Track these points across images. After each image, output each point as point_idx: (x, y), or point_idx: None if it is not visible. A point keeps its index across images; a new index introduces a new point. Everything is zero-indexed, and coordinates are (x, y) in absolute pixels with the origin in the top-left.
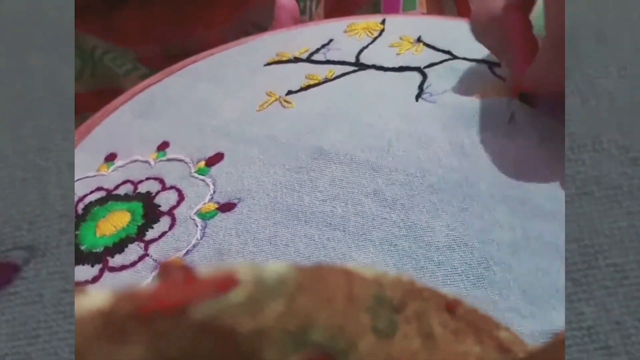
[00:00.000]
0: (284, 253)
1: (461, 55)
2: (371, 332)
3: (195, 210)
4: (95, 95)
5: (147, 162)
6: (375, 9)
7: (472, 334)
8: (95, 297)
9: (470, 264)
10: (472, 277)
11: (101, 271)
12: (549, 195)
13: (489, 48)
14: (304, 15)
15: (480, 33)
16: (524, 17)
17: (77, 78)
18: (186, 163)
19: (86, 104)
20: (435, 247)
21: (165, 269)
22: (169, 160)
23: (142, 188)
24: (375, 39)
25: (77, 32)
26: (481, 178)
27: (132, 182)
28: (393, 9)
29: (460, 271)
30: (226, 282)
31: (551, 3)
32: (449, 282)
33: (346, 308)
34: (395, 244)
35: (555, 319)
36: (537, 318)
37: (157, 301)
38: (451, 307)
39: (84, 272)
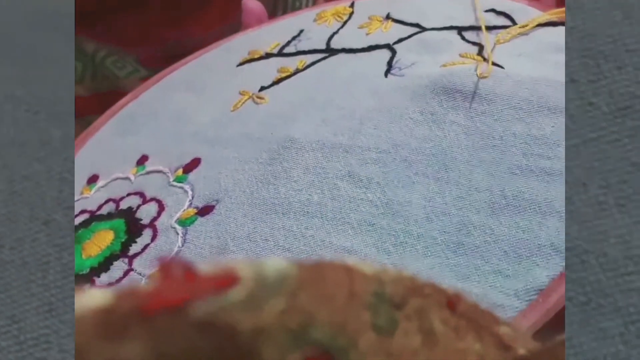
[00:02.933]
0: (263, 248)
1: (430, 26)
2: (371, 329)
3: (175, 219)
4: (96, 98)
5: (127, 178)
6: None
7: (472, 330)
8: (95, 295)
9: (450, 232)
10: (452, 245)
11: None
12: (525, 152)
13: None
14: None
15: None
16: None
17: (79, 81)
18: (165, 173)
19: (88, 107)
20: (414, 221)
21: (165, 267)
22: (148, 173)
23: (124, 204)
24: (345, 23)
25: (78, 36)
26: (455, 144)
27: (114, 200)
28: None
29: (440, 241)
30: (226, 280)
31: None
32: (429, 254)
33: (346, 305)
34: (374, 224)
35: (539, 275)
36: (521, 276)
37: (157, 299)
38: (452, 303)
39: None
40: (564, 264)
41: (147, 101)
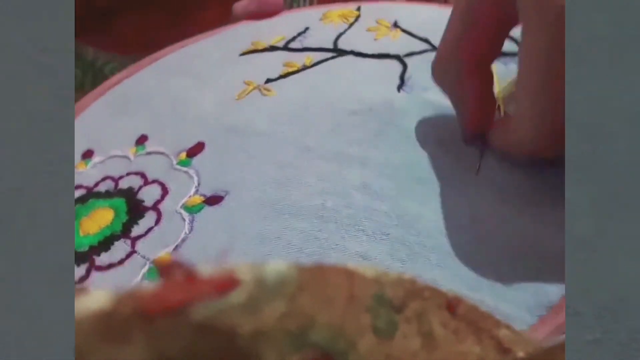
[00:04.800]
0: (275, 247)
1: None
2: (371, 332)
3: (181, 204)
4: None
5: (126, 157)
6: None
7: (472, 333)
8: (96, 297)
9: (463, 246)
10: (464, 257)
11: (88, 271)
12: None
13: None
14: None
15: (439, 75)
16: (484, 67)
17: (78, 88)
18: (167, 155)
19: None
20: (427, 234)
21: (166, 269)
22: (148, 153)
23: (123, 184)
24: (351, 24)
25: (78, 43)
26: (468, 168)
27: (112, 178)
28: None
29: (453, 254)
30: (227, 283)
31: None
32: (442, 265)
33: (346, 308)
34: (388, 233)
35: (549, 290)
36: (532, 290)
37: (157, 302)
38: (451, 306)
39: None
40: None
41: (143, 82)
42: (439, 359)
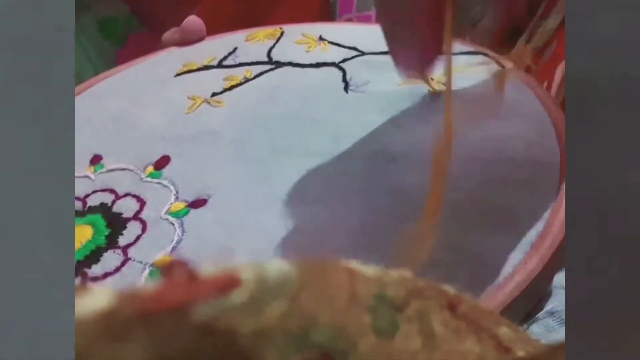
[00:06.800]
0: (271, 234)
1: (368, 51)
2: (372, 332)
3: (164, 211)
4: None
5: (86, 176)
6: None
7: (472, 332)
8: (98, 297)
9: None
10: None
11: (83, 283)
12: None
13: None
14: None
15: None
16: None
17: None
18: (132, 171)
19: None
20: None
21: (168, 269)
22: (110, 170)
23: (93, 201)
24: (278, 39)
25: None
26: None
27: (77, 198)
28: (347, 8)
29: None
30: (228, 282)
31: None
32: None
33: (348, 308)
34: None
35: None
36: None
37: (158, 301)
38: (453, 305)
39: None
40: None
41: (77, 109)
42: (439, 358)
